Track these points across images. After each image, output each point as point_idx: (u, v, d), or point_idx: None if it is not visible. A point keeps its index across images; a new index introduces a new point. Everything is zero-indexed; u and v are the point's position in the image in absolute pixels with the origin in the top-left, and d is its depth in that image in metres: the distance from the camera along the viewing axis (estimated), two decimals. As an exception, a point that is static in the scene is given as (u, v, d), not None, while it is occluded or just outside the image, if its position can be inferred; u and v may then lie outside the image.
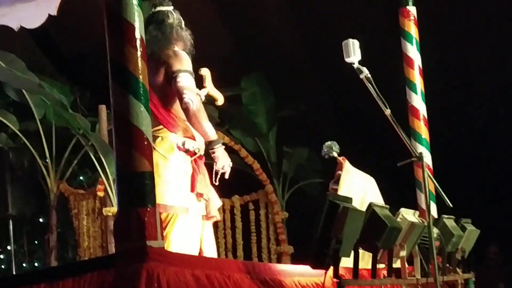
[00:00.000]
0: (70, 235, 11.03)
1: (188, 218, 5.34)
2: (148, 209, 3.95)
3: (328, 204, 4.41)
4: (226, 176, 5.50)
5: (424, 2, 8.22)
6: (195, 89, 5.43)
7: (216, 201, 5.63)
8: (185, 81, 5.32)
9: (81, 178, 11.49)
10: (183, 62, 5.40)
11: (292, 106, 12.22)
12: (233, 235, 10.34)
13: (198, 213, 5.43)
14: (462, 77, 11.69)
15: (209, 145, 5.42)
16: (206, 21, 12.00)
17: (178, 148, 5.41)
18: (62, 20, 9.09)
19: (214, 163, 5.43)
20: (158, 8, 5.64)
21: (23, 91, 10.29)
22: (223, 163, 5.43)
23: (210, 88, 5.74)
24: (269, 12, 12.19)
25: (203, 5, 11.98)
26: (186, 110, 5.31)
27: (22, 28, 8.75)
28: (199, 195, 5.40)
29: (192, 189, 5.39)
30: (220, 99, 5.82)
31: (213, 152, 5.40)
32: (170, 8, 5.67)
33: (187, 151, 5.43)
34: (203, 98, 5.60)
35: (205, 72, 5.74)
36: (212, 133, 5.41)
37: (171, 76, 5.35)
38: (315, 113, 12.45)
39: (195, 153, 5.45)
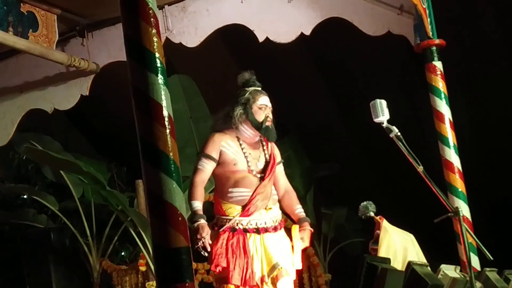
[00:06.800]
0: (115, 312, 11.04)
1: None
2: (187, 284, 3.96)
3: (366, 267, 4.41)
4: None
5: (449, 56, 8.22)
6: (199, 168, 5.49)
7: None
8: (197, 162, 5.53)
9: (122, 253, 11.49)
10: (205, 145, 5.61)
11: (327, 166, 12.20)
12: (277, 301, 10.29)
13: None
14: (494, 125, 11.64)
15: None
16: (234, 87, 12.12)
17: None
18: (94, 99, 9.30)
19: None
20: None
21: (61, 171, 10.42)
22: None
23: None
24: (298, 75, 12.27)
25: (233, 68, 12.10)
26: None
27: (56, 110, 8.95)
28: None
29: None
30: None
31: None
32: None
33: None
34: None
35: (294, 229, 5.61)
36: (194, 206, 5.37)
37: None
38: (351, 171, 12.42)
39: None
